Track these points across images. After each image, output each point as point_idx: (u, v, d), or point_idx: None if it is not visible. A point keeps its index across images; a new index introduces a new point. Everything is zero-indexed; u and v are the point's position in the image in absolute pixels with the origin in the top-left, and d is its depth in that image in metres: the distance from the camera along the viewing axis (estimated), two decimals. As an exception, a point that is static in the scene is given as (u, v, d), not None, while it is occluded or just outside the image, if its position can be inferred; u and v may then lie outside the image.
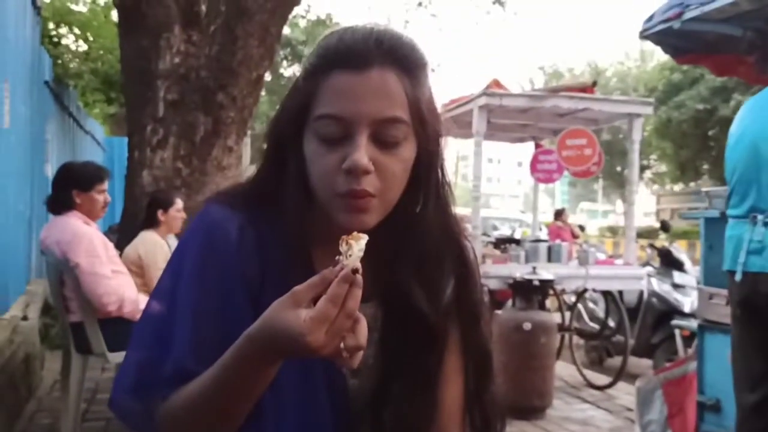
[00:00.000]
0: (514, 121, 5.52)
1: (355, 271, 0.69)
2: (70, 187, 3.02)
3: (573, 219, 13.86)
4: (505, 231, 9.93)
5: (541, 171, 5.83)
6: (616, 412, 4.14)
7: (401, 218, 0.84)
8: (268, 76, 7.00)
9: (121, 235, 4.25)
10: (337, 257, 0.71)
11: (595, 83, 5.14)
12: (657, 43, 3.11)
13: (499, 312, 4.19)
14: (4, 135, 3.94)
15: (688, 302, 4.94)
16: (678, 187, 27.26)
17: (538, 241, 5.31)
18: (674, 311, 4.89)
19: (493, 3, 12.84)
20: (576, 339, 5.53)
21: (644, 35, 3.06)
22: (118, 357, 2.92)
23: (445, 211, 0.90)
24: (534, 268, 4.24)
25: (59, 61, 7.59)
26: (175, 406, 0.80)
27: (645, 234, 16.64)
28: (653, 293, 5.19)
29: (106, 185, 3.14)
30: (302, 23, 18.68)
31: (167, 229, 3.59)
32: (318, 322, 0.67)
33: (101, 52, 8.66)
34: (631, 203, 5.13)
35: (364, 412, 0.87)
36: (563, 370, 5.03)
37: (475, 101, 4.61)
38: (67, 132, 7.56)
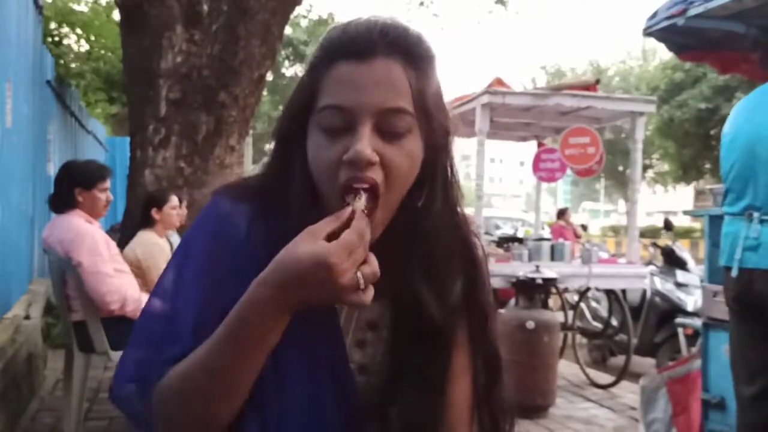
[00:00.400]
0: (517, 120, 5.52)
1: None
2: (73, 186, 3.02)
3: (575, 218, 13.84)
4: (507, 230, 9.93)
5: (544, 170, 5.83)
6: (619, 410, 4.13)
7: (408, 216, 0.83)
8: (269, 76, 7.01)
9: (123, 235, 4.25)
10: (347, 203, 0.75)
11: (598, 81, 5.13)
12: (660, 40, 3.09)
13: (502, 311, 4.18)
14: (7, 134, 3.94)
15: (691, 301, 4.94)
16: (680, 187, 27.24)
17: (541, 239, 5.31)
18: (677, 310, 4.88)
19: (495, 2, 12.83)
20: (579, 338, 5.52)
21: (647, 32, 3.05)
22: (120, 356, 2.91)
23: (454, 209, 0.88)
24: (537, 266, 4.23)
25: (61, 61, 7.59)
26: (172, 380, 0.78)
27: (648, 233, 16.62)
28: (656, 292, 5.18)
29: (108, 184, 3.14)
30: (304, 23, 18.71)
31: (164, 226, 3.59)
32: (343, 247, 0.69)
33: (103, 51, 8.68)
34: (634, 202, 5.13)
35: (372, 410, 0.86)
36: (566, 368, 5.03)
37: (478, 99, 4.61)
38: (69, 132, 7.56)
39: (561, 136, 5.05)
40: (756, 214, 2.28)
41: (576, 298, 5.37)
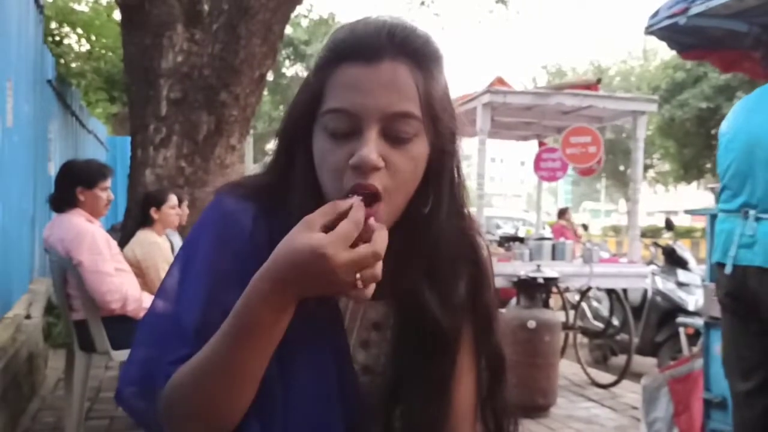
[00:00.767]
0: (518, 119, 5.52)
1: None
2: (74, 185, 3.02)
3: (576, 218, 13.84)
4: (508, 230, 9.92)
5: (545, 169, 5.83)
6: (620, 410, 4.13)
7: (414, 218, 0.82)
8: (270, 76, 7.01)
9: (124, 234, 4.25)
10: (347, 195, 0.74)
11: (599, 80, 5.13)
12: (662, 38, 3.09)
13: (503, 310, 4.17)
14: (8, 134, 3.94)
15: (692, 300, 4.93)
16: (681, 186, 27.22)
17: (542, 239, 5.30)
18: (678, 309, 4.88)
19: (496, 2, 12.82)
20: (580, 337, 5.52)
21: (649, 31, 3.04)
22: (121, 355, 2.92)
23: (459, 212, 0.87)
24: (538, 266, 4.23)
25: (62, 61, 7.60)
26: (178, 379, 0.77)
27: (649, 232, 16.61)
28: (657, 291, 5.18)
29: (109, 183, 3.14)
30: (304, 23, 18.71)
31: (162, 226, 3.59)
32: (339, 238, 0.68)
33: (104, 51, 8.70)
34: (635, 201, 5.13)
35: (376, 410, 0.85)
36: (567, 368, 5.02)
37: (479, 99, 4.60)
38: (70, 131, 7.56)
39: (562, 136, 5.04)
40: (752, 212, 2.31)
41: (577, 297, 5.37)
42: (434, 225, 0.83)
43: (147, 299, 2.94)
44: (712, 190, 3.18)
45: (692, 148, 20.89)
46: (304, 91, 0.83)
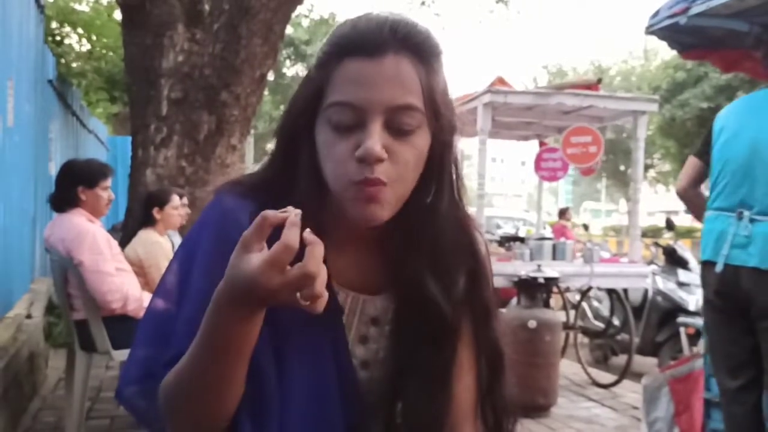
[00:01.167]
0: (519, 119, 5.52)
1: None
2: (75, 184, 3.02)
3: (577, 218, 13.83)
4: (508, 230, 9.93)
5: (546, 169, 5.82)
6: (621, 410, 4.13)
7: (414, 210, 0.83)
8: (271, 76, 7.01)
9: (125, 234, 4.26)
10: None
11: (600, 80, 5.13)
12: (663, 38, 3.08)
13: (503, 310, 4.17)
14: (8, 133, 3.94)
15: (692, 300, 4.93)
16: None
17: (543, 239, 5.30)
18: (679, 309, 4.87)
19: (497, 2, 12.82)
20: (581, 337, 5.51)
21: (650, 31, 3.04)
22: (122, 355, 2.92)
23: (458, 205, 0.88)
24: (539, 266, 4.23)
25: (62, 60, 7.60)
26: (168, 382, 0.79)
27: (649, 232, 16.61)
28: (658, 291, 5.17)
29: (109, 182, 3.14)
30: (305, 23, 18.72)
31: (164, 226, 3.59)
32: (269, 264, 0.66)
33: (104, 51, 8.70)
34: (636, 201, 5.12)
35: (377, 405, 0.86)
36: (568, 368, 5.02)
37: (480, 99, 4.60)
38: (71, 131, 7.56)
39: (563, 136, 5.04)
40: (747, 213, 2.32)
41: (578, 297, 5.37)
42: (436, 215, 0.84)
43: (148, 299, 2.93)
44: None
45: (693, 148, 20.84)
46: (306, 87, 0.83)
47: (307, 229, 0.69)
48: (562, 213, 9.64)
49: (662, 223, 6.60)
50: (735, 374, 2.42)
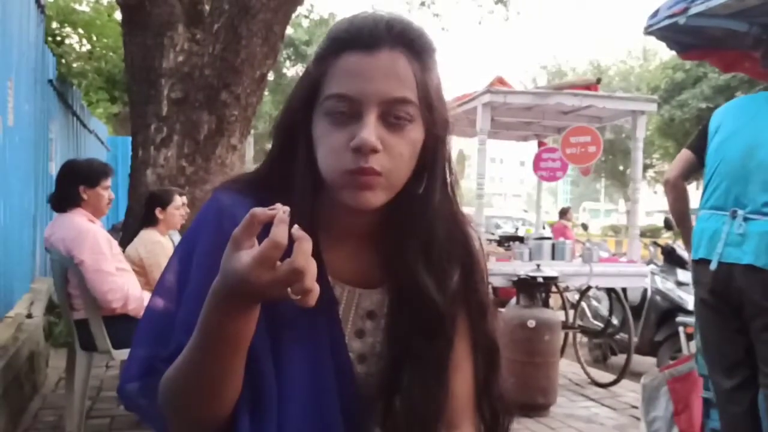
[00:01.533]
0: (518, 119, 5.52)
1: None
2: (77, 184, 3.03)
3: (576, 218, 13.83)
4: (508, 229, 9.93)
5: (545, 169, 5.83)
6: (620, 409, 4.13)
7: (408, 202, 0.84)
8: (271, 76, 7.02)
9: (125, 234, 4.27)
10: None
11: (599, 80, 5.13)
12: (661, 39, 3.08)
13: (502, 310, 4.18)
14: (9, 133, 3.95)
15: (691, 299, 4.92)
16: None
17: (542, 238, 5.31)
18: (678, 309, 4.88)
19: (496, 3, 12.80)
20: (580, 337, 5.52)
21: (648, 31, 3.04)
22: (122, 354, 2.93)
23: (452, 200, 0.90)
24: (538, 265, 4.23)
25: (63, 60, 7.61)
26: (167, 378, 0.80)
27: (648, 232, 16.61)
28: (657, 291, 5.18)
29: (110, 182, 3.15)
30: (305, 23, 18.72)
31: (166, 226, 3.60)
32: (259, 261, 0.67)
33: (104, 51, 8.70)
34: (635, 201, 5.14)
35: (374, 399, 0.86)
36: (567, 367, 5.03)
37: (479, 99, 4.61)
38: (71, 131, 7.57)
39: (562, 136, 5.05)
40: (741, 212, 2.34)
41: (577, 296, 5.38)
42: (429, 207, 0.85)
43: (148, 298, 2.94)
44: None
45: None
46: (304, 81, 0.85)
47: (296, 225, 0.69)
48: (563, 213, 9.64)
49: (661, 223, 6.61)
50: (730, 374, 2.43)
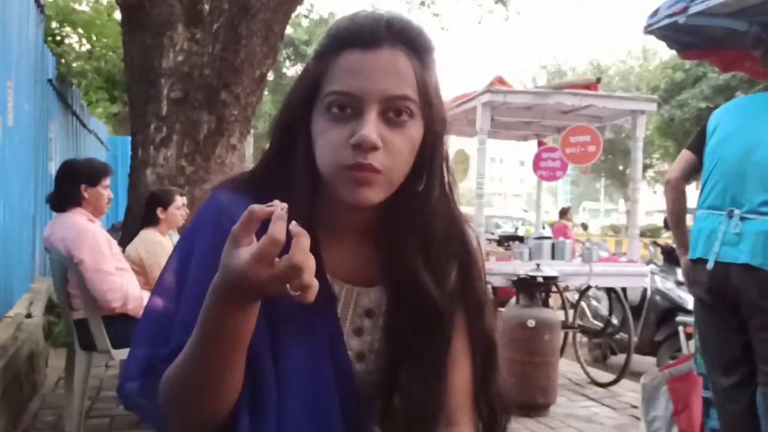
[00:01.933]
0: (518, 119, 5.52)
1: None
2: (78, 182, 3.03)
3: (576, 218, 13.83)
4: (507, 229, 9.93)
5: (545, 168, 5.83)
6: (619, 409, 4.14)
7: (406, 199, 0.85)
8: (270, 76, 7.01)
9: (125, 234, 4.27)
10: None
11: (599, 80, 5.14)
12: (661, 38, 3.08)
13: (502, 309, 4.18)
14: (8, 133, 3.95)
15: (691, 299, 4.92)
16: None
17: (542, 238, 5.31)
18: (677, 308, 4.88)
19: (496, 2, 12.80)
20: (580, 336, 5.53)
21: (648, 30, 3.04)
22: (122, 354, 2.93)
23: (449, 198, 0.90)
24: (538, 265, 4.23)
25: (62, 60, 7.61)
26: (167, 376, 0.80)
27: (648, 232, 16.62)
28: (656, 290, 5.19)
29: (109, 181, 3.16)
30: (305, 23, 18.72)
31: (167, 226, 3.60)
32: (257, 258, 0.67)
33: (104, 51, 8.70)
34: (635, 201, 5.14)
35: (374, 397, 0.86)
36: (567, 367, 5.03)
37: (479, 98, 4.61)
38: (71, 130, 7.57)
39: (562, 135, 5.05)
40: (737, 211, 2.35)
41: (576, 296, 5.38)
42: (427, 204, 0.86)
43: (148, 298, 2.95)
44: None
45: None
46: (304, 78, 0.85)
47: (293, 222, 0.69)
48: (564, 213, 9.64)
49: (661, 223, 6.61)
50: (728, 372, 2.44)
